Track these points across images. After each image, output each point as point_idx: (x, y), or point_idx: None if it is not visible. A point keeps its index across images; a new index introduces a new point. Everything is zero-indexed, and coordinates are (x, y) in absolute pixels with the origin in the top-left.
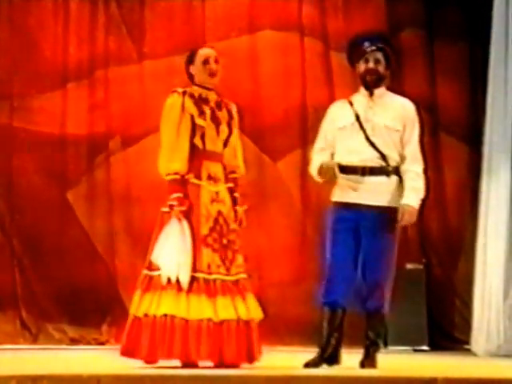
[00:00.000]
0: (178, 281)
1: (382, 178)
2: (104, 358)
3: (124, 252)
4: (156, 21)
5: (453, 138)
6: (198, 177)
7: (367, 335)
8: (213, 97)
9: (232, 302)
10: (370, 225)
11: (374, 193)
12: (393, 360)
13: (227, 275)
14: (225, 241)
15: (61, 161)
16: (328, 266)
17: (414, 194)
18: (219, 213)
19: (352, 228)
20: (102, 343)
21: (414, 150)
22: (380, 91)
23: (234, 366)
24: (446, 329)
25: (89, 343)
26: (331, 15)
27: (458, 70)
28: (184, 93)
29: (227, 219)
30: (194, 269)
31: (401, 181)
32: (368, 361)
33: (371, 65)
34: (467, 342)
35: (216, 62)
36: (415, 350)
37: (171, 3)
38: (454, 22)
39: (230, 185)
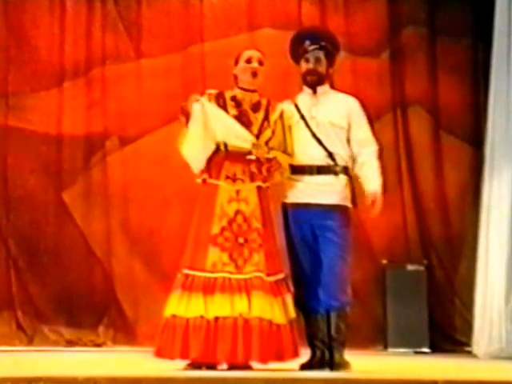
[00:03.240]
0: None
1: (330, 178)
2: (100, 360)
3: (120, 252)
4: (153, 18)
5: (454, 137)
6: (217, 177)
7: (330, 335)
8: (251, 98)
9: (230, 300)
10: (322, 224)
11: (323, 192)
12: (393, 362)
13: (236, 273)
14: (241, 239)
15: (56, 160)
16: (295, 274)
17: (374, 178)
18: (237, 212)
19: (307, 230)
20: (99, 345)
21: (365, 135)
22: (323, 89)
23: (237, 364)
24: (447, 331)
25: (85, 345)
26: (331, 13)
27: (459, 68)
28: (213, 95)
29: (249, 218)
30: (198, 268)
31: (350, 180)
32: (341, 360)
33: (311, 65)
34: (468, 344)
35: (260, 62)
36: (416, 352)
37: (169, 1)
38: (456, 19)
39: (259, 183)
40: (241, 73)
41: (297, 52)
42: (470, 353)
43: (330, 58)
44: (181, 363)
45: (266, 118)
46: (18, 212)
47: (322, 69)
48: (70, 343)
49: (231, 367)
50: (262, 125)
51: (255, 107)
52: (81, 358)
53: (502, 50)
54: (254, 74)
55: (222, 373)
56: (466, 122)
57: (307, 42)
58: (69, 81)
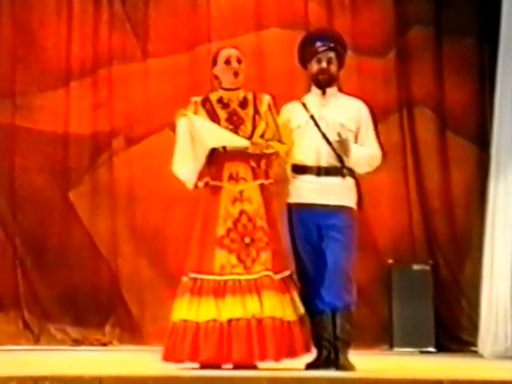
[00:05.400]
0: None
1: (337, 179)
2: (106, 359)
3: (127, 252)
4: (160, 18)
5: (460, 137)
6: (219, 178)
7: (336, 336)
8: (237, 96)
9: (242, 301)
10: (328, 223)
11: (329, 193)
12: (399, 362)
13: (246, 274)
14: (247, 239)
15: (63, 160)
16: (300, 275)
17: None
18: (242, 212)
19: (313, 230)
20: (105, 344)
21: (370, 143)
22: (332, 90)
23: (246, 364)
24: (453, 330)
25: (91, 344)
26: (338, 13)
27: (466, 68)
28: (199, 102)
29: (253, 217)
30: (205, 271)
31: (356, 183)
32: (345, 362)
33: (324, 65)
34: (474, 344)
35: (238, 61)
36: (422, 352)
37: (176, 1)
38: (463, 19)
39: (262, 181)
40: (222, 74)
41: (306, 53)
42: (475, 352)
43: (341, 59)
44: (188, 364)
45: (257, 111)
46: (25, 211)
47: (334, 69)
48: (76, 342)
49: (237, 366)
50: (253, 119)
51: (243, 104)
52: (87, 356)
53: (508, 50)
54: (236, 74)
55: (228, 372)
56: (472, 122)
57: (318, 43)
58: (76, 80)
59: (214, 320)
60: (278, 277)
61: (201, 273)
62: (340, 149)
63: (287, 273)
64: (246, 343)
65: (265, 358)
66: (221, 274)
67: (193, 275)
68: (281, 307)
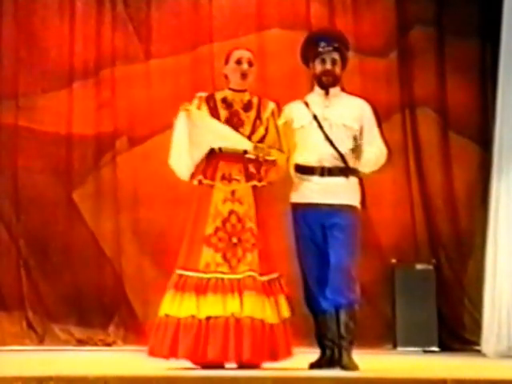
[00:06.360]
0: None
1: (341, 179)
2: (111, 360)
3: (130, 252)
4: (163, 19)
5: (463, 137)
6: (212, 177)
7: (340, 334)
8: (241, 99)
9: (223, 300)
10: (332, 222)
11: (333, 192)
12: (402, 361)
13: (230, 273)
14: (234, 239)
15: (67, 160)
16: (304, 275)
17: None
18: (231, 212)
19: (317, 230)
20: (109, 344)
21: (375, 142)
22: (335, 90)
23: (250, 364)
24: (456, 330)
25: (95, 344)
26: (340, 13)
27: (468, 68)
28: (203, 98)
29: (243, 218)
30: (191, 268)
31: (360, 182)
32: (348, 362)
33: (328, 66)
34: (477, 343)
35: (249, 63)
36: (425, 351)
37: (178, 1)
38: (465, 19)
39: (254, 183)
40: (231, 73)
41: (310, 53)
42: (478, 351)
43: (344, 60)
44: (187, 363)
45: (258, 116)
46: (29, 212)
47: (338, 70)
48: (81, 342)
49: (240, 366)
50: (254, 123)
51: (246, 107)
52: (91, 357)
53: (510, 50)
54: (244, 76)
55: (231, 372)
56: (474, 121)
57: (322, 44)
58: (78, 81)
59: (193, 316)
60: (263, 278)
61: (186, 269)
62: (355, 152)
63: (274, 275)
64: (222, 341)
65: (241, 357)
66: (205, 272)
67: (179, 271)
68: (261, 309)
